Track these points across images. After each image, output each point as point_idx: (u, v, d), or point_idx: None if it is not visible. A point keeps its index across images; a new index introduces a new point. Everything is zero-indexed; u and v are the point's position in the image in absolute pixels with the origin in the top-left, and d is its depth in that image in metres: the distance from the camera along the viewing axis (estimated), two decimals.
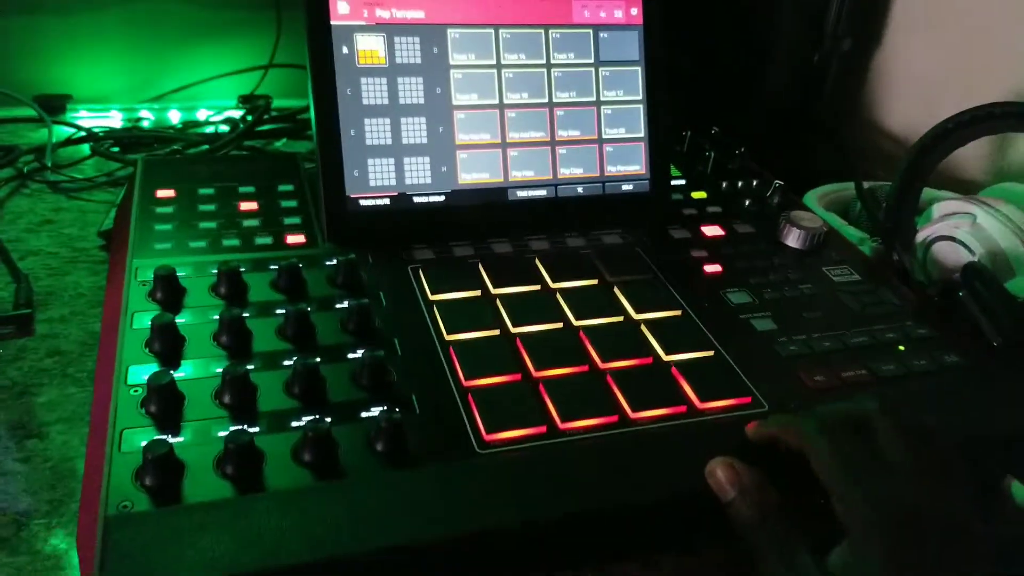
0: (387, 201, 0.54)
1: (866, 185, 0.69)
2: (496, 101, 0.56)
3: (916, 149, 0.59)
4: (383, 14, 0.53)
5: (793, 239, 0.58)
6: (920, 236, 0.62)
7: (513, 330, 0.47)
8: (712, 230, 0.59)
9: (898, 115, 0.88)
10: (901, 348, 0.48)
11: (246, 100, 0.92)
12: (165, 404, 0.37)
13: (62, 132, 0.83)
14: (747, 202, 0.64)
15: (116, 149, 0.81)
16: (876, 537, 0.31)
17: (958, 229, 0.59)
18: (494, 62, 0.56)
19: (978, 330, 0.50)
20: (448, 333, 0.45)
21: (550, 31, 0.57)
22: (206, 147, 0.81)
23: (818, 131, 0.87)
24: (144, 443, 0.35)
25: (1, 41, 0.86)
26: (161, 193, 0.56)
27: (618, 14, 0.59)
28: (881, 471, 0.32)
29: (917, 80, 0.85)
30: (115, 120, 0.88)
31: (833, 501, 0.32)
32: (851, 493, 0.32)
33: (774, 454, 0.37)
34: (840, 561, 0.32)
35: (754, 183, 0.66)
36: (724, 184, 0.66)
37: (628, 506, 0.37)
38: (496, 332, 0.46)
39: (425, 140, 0.55)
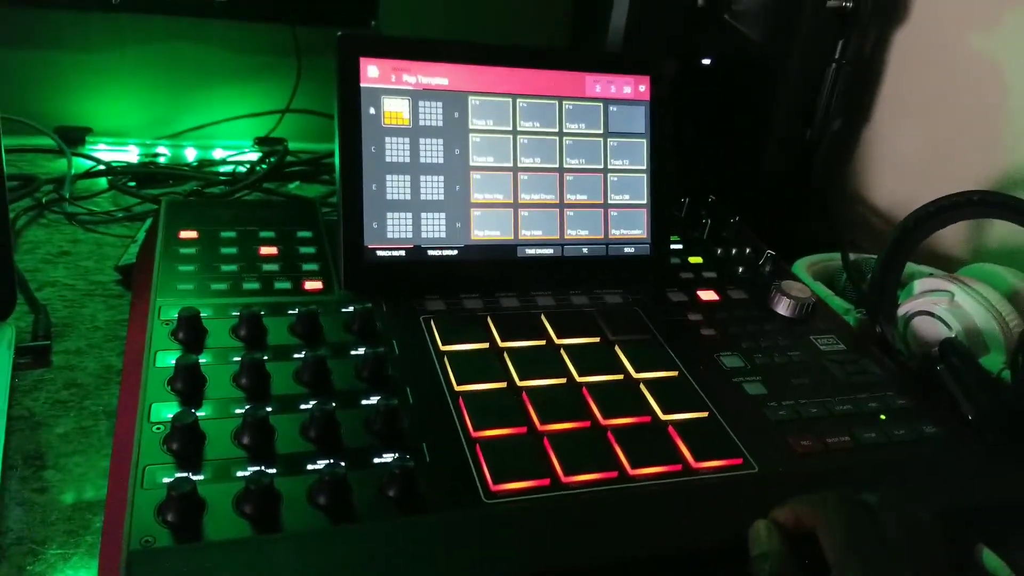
0: (403, 253, 0.56)
1: (852, 257, 0.73)
2: (510, 164, 0.60)
3: (900, 229, 0.63)
4: (409, 79, 0.57)
5: (783, 307, 0.61)
6: (901, 310, 0.65)
7: (520, 383, 0.49)
8: (708, 295, 0.62)
9: (884, 191, 0.93)
10: (883, 417, 0.51)
11: (262, 142, 0.96)
12: (187, 443, 0.39)
13: (80, 164, 0.85)
14: (740, 269, 0.67)
15: (132, 184, 0.83)
16: None
17: (937, 306, 0.62)
18: (510, 128, 0.60)
19: (955, 403, 0.53)
20: (458, 384, 0.48)
21: (564, 102, 0.61)
22: (221, 188, 0.84)
23: (808, 202, 0.91)
24: (167, 480, 0.36)
25: (24, 73, 0.89)
26: (184, 234, 0.58)
27: (627, 90, 0.63)
28: (878, 548, 0.35)
29: (903, 159, 0.90)
30: (132, 154, 0.91)
31: (835, 571, 0.35)
32: (852, 563, 0.34)
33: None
34: None
35: (747, 251, 0.70)
36: (719, 250, 0.69)
37: (626, 560, 0.39)
38: (504, 384, 0.48)
39: (442, 197, 0.58)
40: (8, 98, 0.87)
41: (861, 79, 0.93)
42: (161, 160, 0.91)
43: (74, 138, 0.90)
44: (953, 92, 0.84)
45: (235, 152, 0.93)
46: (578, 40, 0.99)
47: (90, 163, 0.86)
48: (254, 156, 0.92)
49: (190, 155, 0.93)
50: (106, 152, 0.90)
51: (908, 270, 0.71)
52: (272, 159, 0.90)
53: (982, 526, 0.45)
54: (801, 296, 0.61)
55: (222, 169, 0.90)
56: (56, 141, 0.87)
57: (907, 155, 0.90)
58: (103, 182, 0.84)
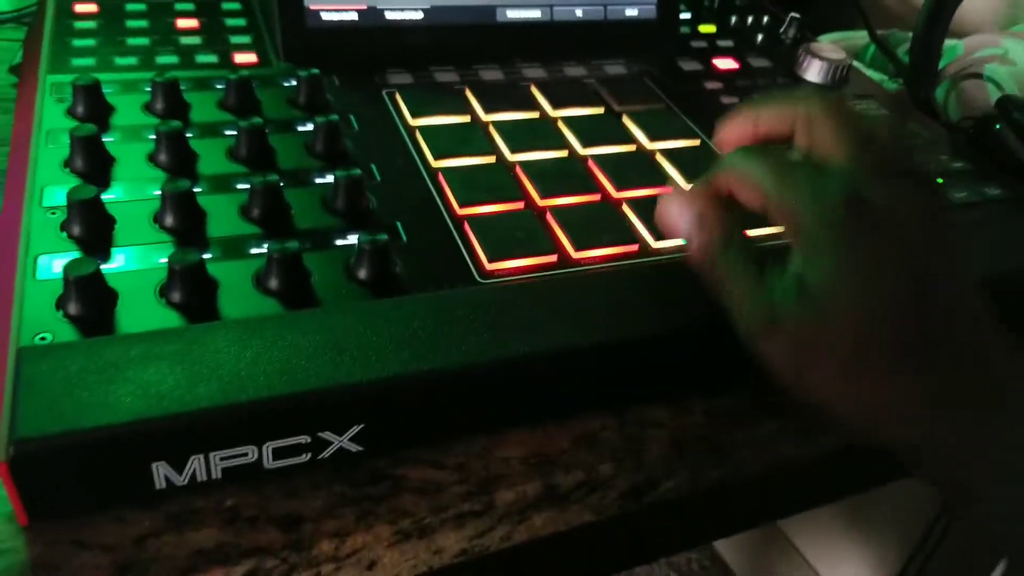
0: (355, 16, 0.45)
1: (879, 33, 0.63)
2: None
3: None
4: None
5: (814, 72, 0.52)
6: (945, 75, 0.56)
7: (511, 157, 0.40)
8: (725, 63, 0.53)
9: None
10: (940, 180, 0.43)
11: None
12: (91, 224, 0.30)
13: None
14: (759, 37, 0.57)
15: None
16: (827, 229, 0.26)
17: (988, 64, 0.53)
18: None
19: (1017, 163, 0.45)
20: (435, 159, 0.39)
21: None
22: None
23: None
24: (64, 263, 0.27)
25: None
26: (80, 7, 0.46)
27: None
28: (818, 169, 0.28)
29: None
30: None
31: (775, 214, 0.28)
32: (790, 191, 0.27)
33: None
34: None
35: (765, 19, 0.59)
36: (734, 19, 0.59)
37: (651, 338, 0.32)
38: (492, 159, 0.39)
39: None
40: None
41: None
42: None
43: None
44: None
45: None
46: None
47: None
48: None
49: None
50: None
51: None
52: None
53: None
54: (835, 58, 0.52)
55: None
56: None
57: None
58: None
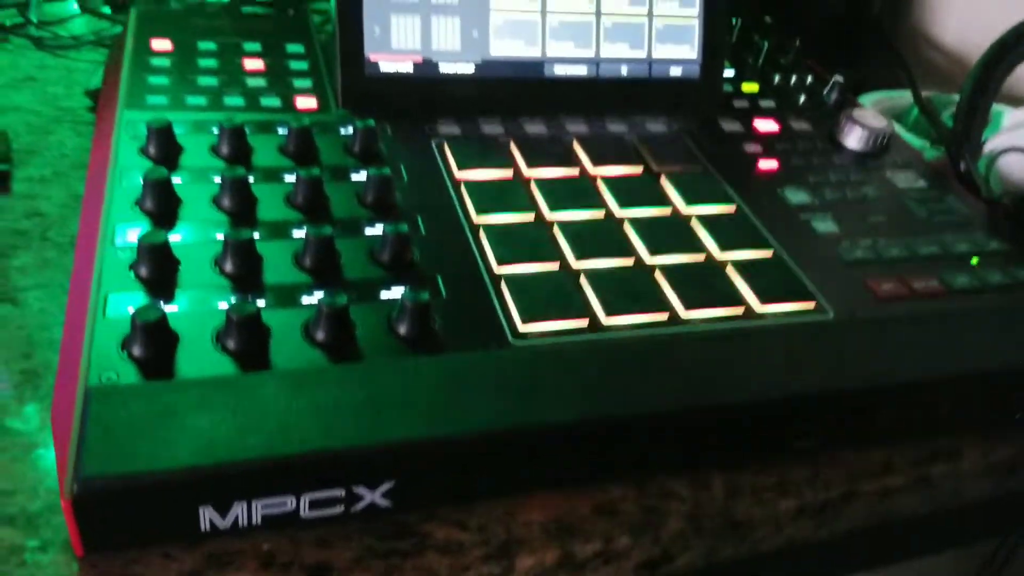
0: (410, 67, 0.48)
1: (924, 94, 0.63)
2: None
3: (995, 47, 0.53)
4: None
5: (854, 139, 0.53)
6: (986, 148, 0.56)
7: (549, 216, 0.42)
8: (766, 124, 0.54)
9: (953, 25, 0.81)
10: (975, 260, 0.43)
11: None
12: (158, 267, 0.33)
13: None
14: (802, 98, 0.58)
15: (107, 10, 0.74)
16: None
17: None
18: None
19: None
20: (478, 214, 0.40)
21: None
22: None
23: (869, 37, 0.80)
24: (132, 308, 0.30)
25: None
26: (157, 45, 0.49)
27: None
28: None
29: None
30: None
31: None
32: None
33: None
34: None
35: (809, 79, 0.60)
36: (777, 78, 0.60)
37: (676, 411, 0.33)
38: (531, 217, 0.41)
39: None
40: None
41: None
42: None
43: None
44: None
45: None
46: None
47: None
48: None
49: None
50: None
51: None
52: None
53: None
54: (877, 126, 0.52)
55: None
56: None
57: None
58: (73, 6, 0.74)
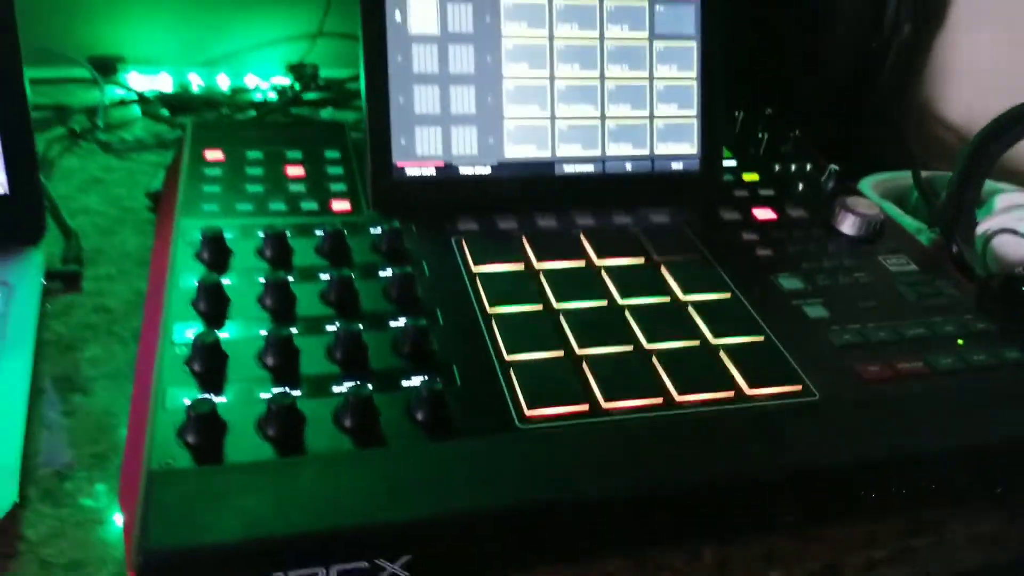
0: (433, 171, 0.53)
1: (923, 174, 0.66)
2: (547, 73, 0.55)
3: (981, 136, 0.57)
4: None
5: (848, 226, 0.56)
6: (980, 228, 0.59)
7: (556, 306, 0.46)
8: (764, 213, 0.58)
9: (958, 104, 0.85)
10: (961, 341, 0.46)
11: (294, 69, 0.92)
12: (209, 363, 0.38)
13: (113, 93, 0.84)
14: (800, 186, 0.62)
15: (165, 112, 0.82)
16: None
17: (1021, 222, 0.56)
18: (546, 33, 0.55)
19: None
20: (491, 306, 0.45)
21: (605, 3, 0.56)
22: (253, 113, 0.81)
23: (874, 117, 0.84)
24: (188, 401, 0.35)
25: (56, 2, 0.87)
26: (210, 155, 0.56)
27: None
28: None
29: (980, 70, 0.82)
30: (165, 83, 0.89)
31: None
32: None
33: None
34: None
35: (808, 167, 0.64)
36: (777, 167, 0.64)
37: (670, 490, 0.36)
38: (539, 307, 0.45)
39: (473, 110, 0.54)
40: (42, 28, 0.85)
41: None
42: (194, 88, 0.89)
43: (107, 67, 0.88)
44: None
45: (266, 79, 0.90)
46: None
47: (123, 92, 0.85)
48: (286, 82, 0.89)
49: (223, 83, 0.90)
50: (139, 80, 0.88)
51: (987, 188, 0.65)
52: (297, 85, 0.86)
53: None
54: (868, 213, 0.56)
55: (256, 97, 0.87)
56: (89, 71, 0.85)
57: (984, 65, 0.81)
58: (136, 110, 0.82)
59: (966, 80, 0.84)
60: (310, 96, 0.86)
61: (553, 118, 0.55)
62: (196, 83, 0.89)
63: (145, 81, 0.88)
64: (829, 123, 0.81)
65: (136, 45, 0.91)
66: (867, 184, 0.68)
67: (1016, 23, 0.77)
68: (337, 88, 0.88)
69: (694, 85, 0.58)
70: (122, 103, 0.82)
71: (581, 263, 0.50)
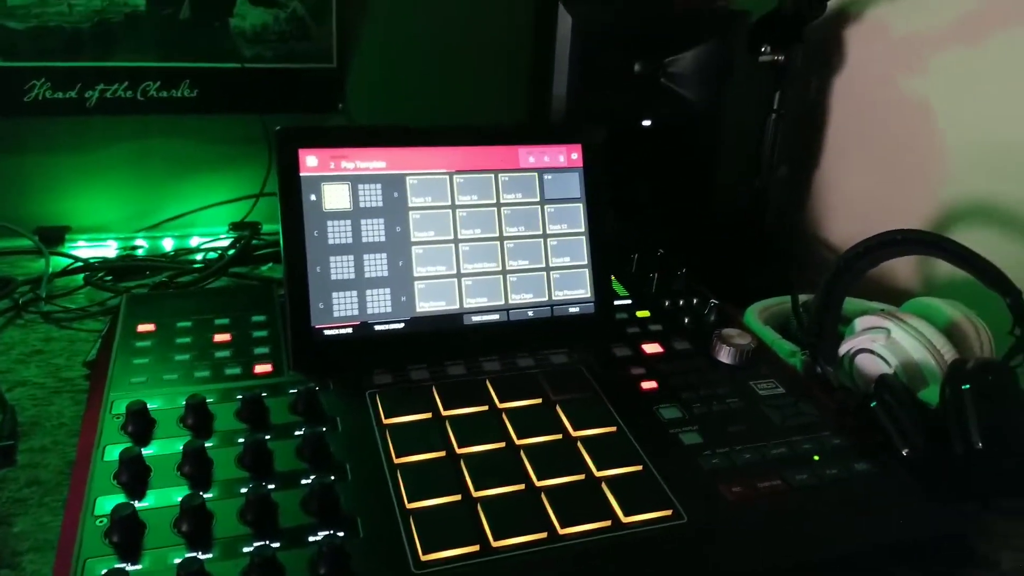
0: (350, 330, 0.59)
1: (803, 298, 0.74)
2: (451, 236, 0.62)
3: (832, 270, 0.65)
4: (348, 165, 0.60)
5: (725, 355, 0.63)
6: (844, 348, 0.66)
7: (459, 451, 0.50)
8: (652, 347, 0.64)
9: (836, 231, 0.96)
10: (816, 458, 0.52)
11: (236, 227, 0.99)
12: (126, 534, 0.41)
13: (60, 263, 0.89)
14: (686, 320, 0.69)
15: (110, 279, 0.86)
16: None
17: (875, 343, 0.63)
18: (449, 203, 0.63)
19: (890, 439, 0.54)
20: (397, 456, 0.49)
21: (499, 175, 0.64)
22: (194, 275, 0.87)
23: (761, 248, 0.94)
24: (103, 573, 0.38)
25: (2, 177, 0.93)
26: (142, 328, 0.61)
27: (561, 159, 0.66)
28: None
29: (850, 200, 0.93)
30: (111, 250, 0.94)
31: None
32: None
33: None
34: None
35: (693, 301, 0.72)
36: (667, 303, 0.71)
37: None
38: (443, 453, 0.50)
39: (386, 273, 0.60)
40: None
41: (806, 125, 0.97)
42: (139, 252, 0.95)
43: (53, 237, 0.94)
44: (889, 134, 0.87)
45: (210, 239, 0.97)
46: (535, 113, 1.03)
47: (69, 260, 0.90)
48: (227, 242, 0.96)
49: (168, 245, 0.96)
50: (85, 249, 0.94)
51: (858, 307, 0.73)
52: (239, 244, 0.93)
53: (917, 562, 0.46)
54: (741, 343, 0.63)
55: (197, 257, 0.93)
56: (34, 242, 0.90)
57: (853, 196, 0.93)
58: (80, 279, 0.87)
59: (840, 210, 0.95)
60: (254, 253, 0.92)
61: (459, 275, 0.62)
62: (141, 247, 0.95)
63: (91, 250, 0.93)
64: (721, 257, 0.90)
65: (83, 215, 0.97)
66: (753, 311, 0.76)
67: (874, 159, 0.89)
68: (277, 244, 0.94)
69: (583, 239, 0.66)
70: (66, 272, 0.87)
71: (485, 407, 0.55)
